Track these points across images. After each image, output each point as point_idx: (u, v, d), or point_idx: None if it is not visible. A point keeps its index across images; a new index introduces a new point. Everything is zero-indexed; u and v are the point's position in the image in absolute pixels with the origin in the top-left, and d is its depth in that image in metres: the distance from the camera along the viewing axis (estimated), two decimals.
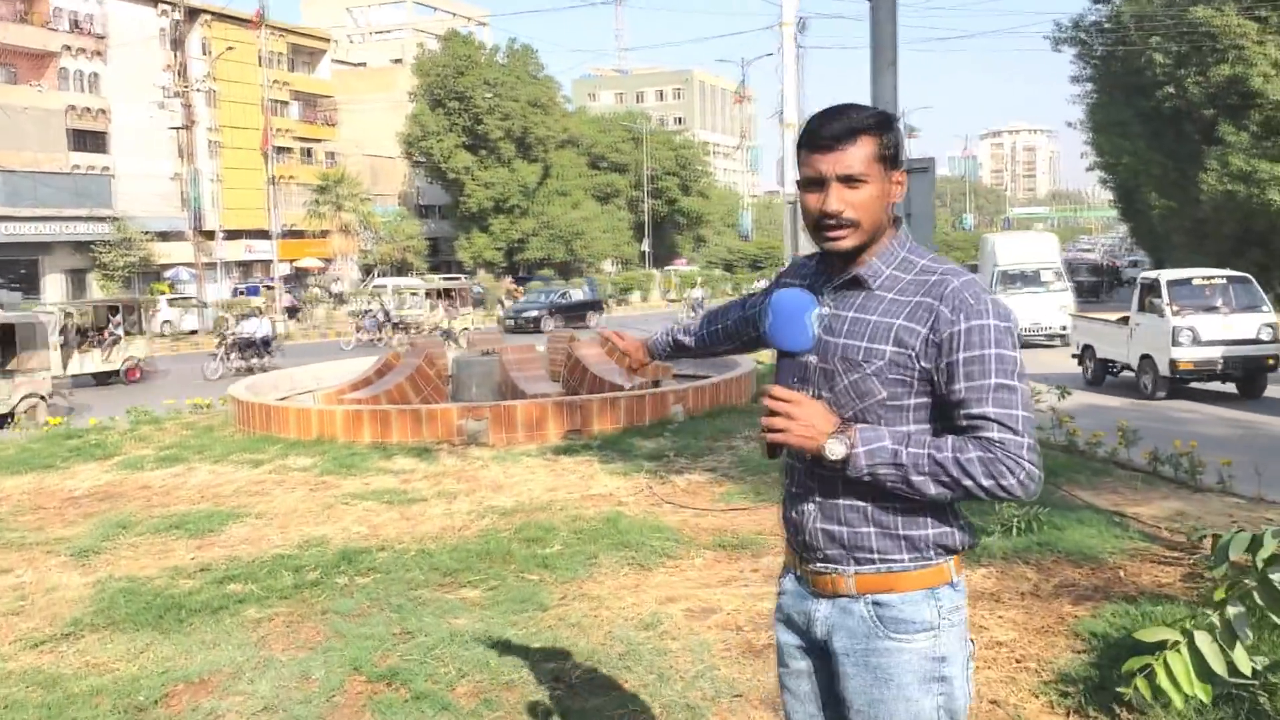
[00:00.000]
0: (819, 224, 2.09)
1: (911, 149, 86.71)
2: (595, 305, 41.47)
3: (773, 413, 2.04)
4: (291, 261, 55.25)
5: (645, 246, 69.56)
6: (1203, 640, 3.60)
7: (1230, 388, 15.83)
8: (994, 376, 1.98)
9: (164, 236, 50.54)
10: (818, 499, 2.12)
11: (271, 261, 45.90)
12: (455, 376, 12.74)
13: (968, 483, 1.95)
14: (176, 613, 5.43)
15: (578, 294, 42.28)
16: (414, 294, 36.15)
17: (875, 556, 2.08)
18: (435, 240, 69.68)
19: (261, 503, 8.03)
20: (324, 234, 53.10)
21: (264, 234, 49.35)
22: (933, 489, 1.97)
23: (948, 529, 2.10)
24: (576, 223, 66.28)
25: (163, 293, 43.88)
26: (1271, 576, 3.66)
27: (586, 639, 4.83)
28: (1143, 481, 7.83)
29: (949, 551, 2.10)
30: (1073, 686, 4.08)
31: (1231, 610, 3.62)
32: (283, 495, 8.27)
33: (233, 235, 53.89)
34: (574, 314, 38.42)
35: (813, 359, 2.12)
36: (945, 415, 2.05)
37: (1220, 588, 4.76)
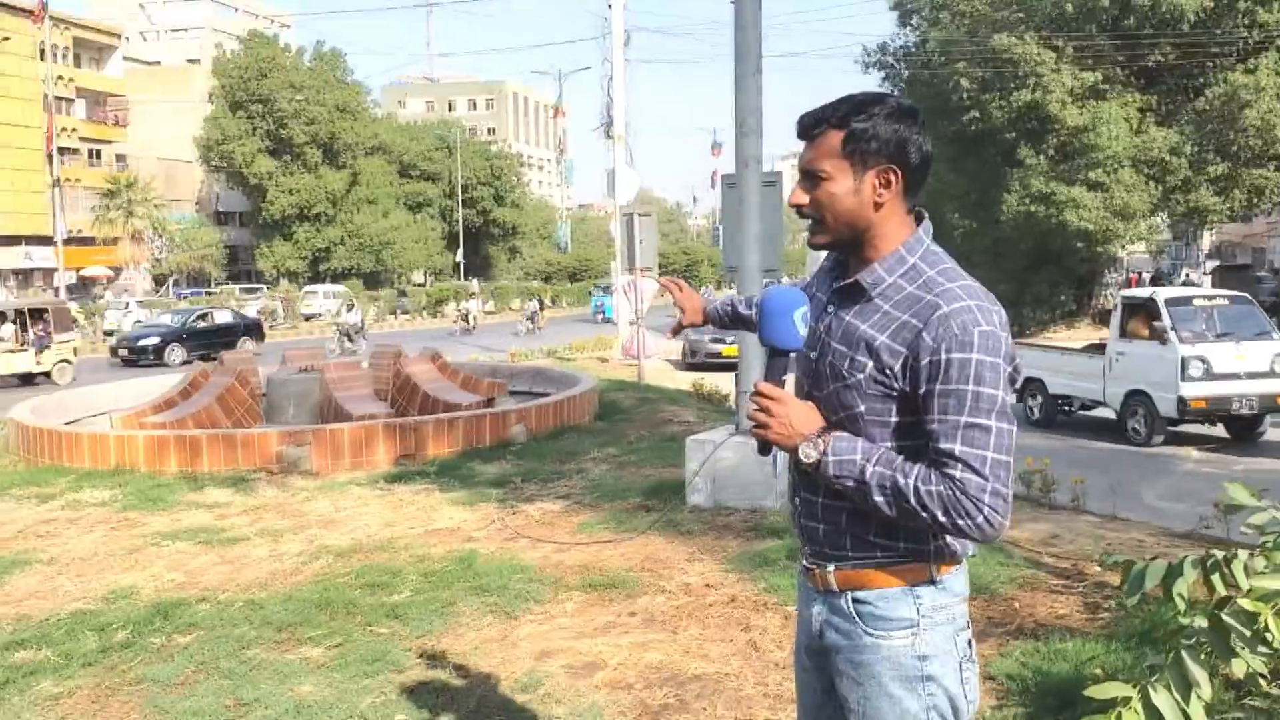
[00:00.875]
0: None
1: (716, 165, 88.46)
2: (249, 330, 31.23)
3: (759, 407, 2.01)
4: (77, 270, 51.66)
5: (458, 257, 68.30)
6: (1160, 698, 3.32)
7: (1220, 430, 13.42)
8: (968, 414, 1.89)
9: None
10: (803, 494, 2.09)
11: (55, 270, 42.69)
12: (269, 397, 11.77)
13: (925, 515, 1.89)
14: None
15: (224, 315, 32.05)
16: None
17: (850, 554, 2.04)
18: (234, 249, 66.64)
19: (52, 546, 7.02)
20: (113, 241, 49.81)
21: (46, 240, 45.93)
22: (890, 512, 1.92)
23: (924, 546, 2.03)
24: (386, 232, 64.57)
25: None
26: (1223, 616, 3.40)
27: (456, 707, 4.22)
28: (1023, 502, 7.71)
29: (929, 557, 2.03)
30: None
31: (1187, 659, 3.35)
32: (78, 536, 7.27)
33: (9, 241, 49.99)
34: (215, 341, 28.20)
35: (813, 355, 2.09)
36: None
37: (1145, 623, 4.56)
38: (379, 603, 5.53)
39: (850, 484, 1.93)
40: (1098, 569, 5.70)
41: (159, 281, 58.05)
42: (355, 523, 7.43)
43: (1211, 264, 61.37)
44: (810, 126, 2.00)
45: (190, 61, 76.66)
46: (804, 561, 2.15)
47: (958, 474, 1.87)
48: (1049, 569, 5.78)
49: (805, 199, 2.02)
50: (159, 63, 76.76)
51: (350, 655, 4.80)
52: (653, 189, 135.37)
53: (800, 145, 2.08)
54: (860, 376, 1.97)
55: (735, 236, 8.62)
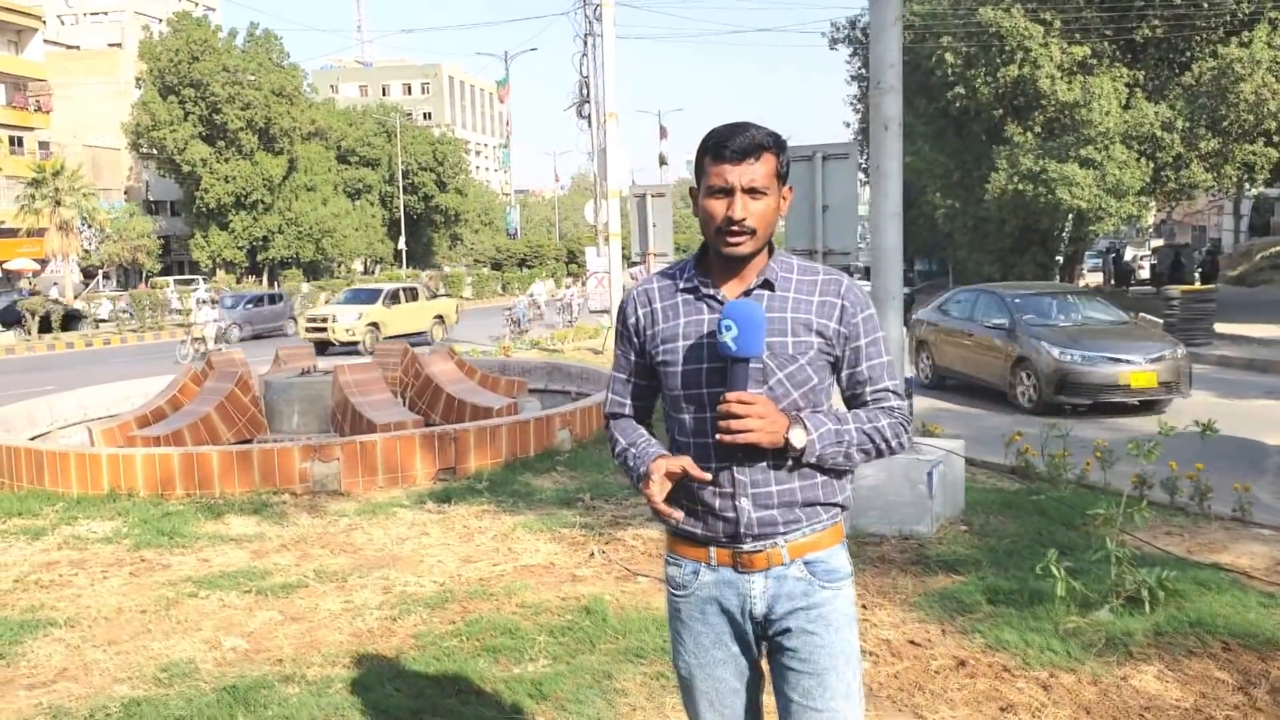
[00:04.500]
0: (722, 230, 2.24)
1: (665, 150, 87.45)
2: None
3: (735, 416, 2.15)
4: (0, 263, 49.11)
5: (400, 245, 66.44)
6: None
7: None
8: (885, 354, 2.35)
9: None
10: (751, 492, 2.26)
11: None
12: (268, 403, 10.48)
13: (883, 446, 2.30)
14: None
15: None
16: None
17: (804, 525, 2.29)
18: (167, 239, 64.10)
19: (65, 600, 5.77)
20: (39, 232, 47.32)
21: None
22: (859, 458, 2.29)
23: (850, 489, 2.38)
24: (325, 219, 62.49)
25: None
26: None
27: None
28: (1185, 516, 6.76)
29: (845, 509, 2.37)
30: None
31: None
32: (92, 585, 6.03)
33: None
34: None
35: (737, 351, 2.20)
36: (844, 389, 2.37)
37: None
38: (513, 676, 4.42)
39: (831, 449, 2.23)
40: None
41: (88, 274, 55.53)
42: (427, 559, 6.28)
43: (1157, 242, 61.81)
44: (751, 150, 2.21)
45: (112, 45, 73.56)
46: (741, 548, 2.28)
47: (895, 403, 2.33)
48: None
49: (746, 213, 2.21)
50: (78, 47, 73.57)
51: None
52: (587, 174, 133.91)
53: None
54: (812, 353, 2.27)
55: (841, 214, 7.64)
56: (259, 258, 61.31)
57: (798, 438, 2.18)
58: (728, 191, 2.21)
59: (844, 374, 2.33)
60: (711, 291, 2.30)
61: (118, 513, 7.58)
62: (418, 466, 8.39)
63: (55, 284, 49.75)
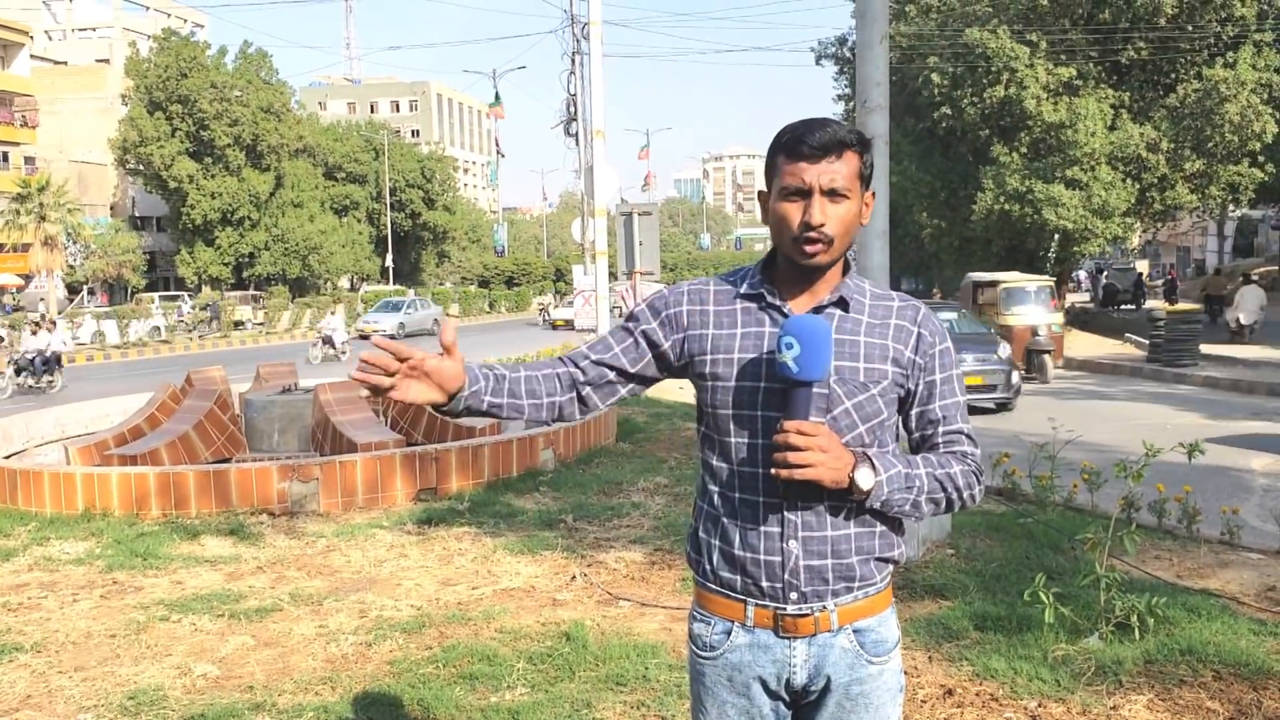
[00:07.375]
0: (798, 238, 1.98)
1: (647, 167, 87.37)
2: None
3: (793, 448, 1.89)
4: None
5: (387, 262, 66.25)
6: None
7: None
8: (960, 395, 2.10)
9: None
10: (802, 535, 2.00)
11: None
12: (248, 421, 10.34)
13: (953, 496, 2.04)
14: None
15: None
16: None
17: (856, 584, 2.04)
18: (153, 255, 63.81)
19: (32, 623, 5.64)
20: (24, 248, 47.07)
21: None
22: (928, 508, 2.03)
23: (905, 543, 2.12)
24: (312, 236, 62.22)
25: None
26: None
27: None
28: (1173, 539, 6.69)
29: (899, 564, 2.13)
30: None
31: None
32: (62, 609, 5.89)
33: None
34: None
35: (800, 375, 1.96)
36: (913, 430, 2.12)
37: None
38: (490, 705, 4.30)
39: (898, 495, 1.98)
40: None
41: (73, 290, 55.25)
42: (405, 582, 6.16)
43: (1141, 262, 62.11)
44: (833, 147, 1.97)
45: (100, 61, 73.42)
46: (784, 610, 2.01)
47: (968, 449, 2.07)
48: None
49: (825, 218, 1.97)
50: (66, 62, 73.39)
51: None
52: (575, 192, 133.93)
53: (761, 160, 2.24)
54: (885, 383, 2.03)
55: None
56: (245, 274, 61.04)
57: (865, 478, 1.93)
58: (804, 193, 1.96)
59: (913, 411, 2.08)
60: (777, 303, 2.04)
61: (91, 533, 7.45)
62: (398, 487, 8.27)
63: (42, 299, 49.52)
